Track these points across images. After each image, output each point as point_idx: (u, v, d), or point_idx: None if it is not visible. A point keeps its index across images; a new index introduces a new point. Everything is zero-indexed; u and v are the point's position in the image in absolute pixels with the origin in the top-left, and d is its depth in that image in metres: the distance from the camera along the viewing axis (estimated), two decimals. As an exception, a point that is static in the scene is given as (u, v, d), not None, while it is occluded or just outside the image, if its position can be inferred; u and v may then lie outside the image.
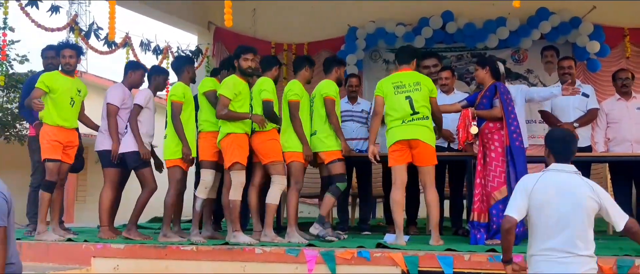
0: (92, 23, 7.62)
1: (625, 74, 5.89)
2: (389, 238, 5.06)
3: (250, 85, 5.39)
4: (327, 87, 5.32)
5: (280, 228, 5.85)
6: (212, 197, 5.34)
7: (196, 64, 8.18)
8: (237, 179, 4.99)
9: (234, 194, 5.00)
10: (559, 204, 3.22)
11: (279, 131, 5.25)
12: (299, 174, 5.20)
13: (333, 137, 5.28)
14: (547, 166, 3.47)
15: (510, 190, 4.76)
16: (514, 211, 3.33)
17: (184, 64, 5.47)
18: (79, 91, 5.46)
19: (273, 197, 5.10)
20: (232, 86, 5.01)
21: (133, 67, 5.72)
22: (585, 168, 5.90)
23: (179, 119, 5.18)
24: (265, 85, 5.14)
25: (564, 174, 3.32)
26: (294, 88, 5.25)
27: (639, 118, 5.77)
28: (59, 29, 7.36)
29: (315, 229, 5.13)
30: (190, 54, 9.16)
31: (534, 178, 3.35)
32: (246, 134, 5.07)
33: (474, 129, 4.93)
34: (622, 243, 4.89)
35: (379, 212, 7.92)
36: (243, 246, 4.73)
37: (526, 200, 3.30)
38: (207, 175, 5.15)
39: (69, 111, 5.34)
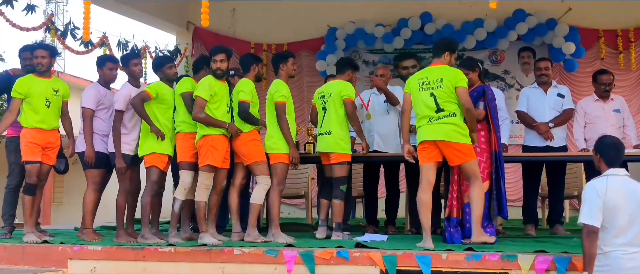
0: (69, 23, 7.54)
1: (608, 79, 5.87)
2: (367, 237, 5.09)
3: (232, 86, 5.38)
4: (347, 89, 5.27)
5: (259, 229, 5.82)
6: (191, 198, 5.30)
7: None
8: (203, 180, 4.99)
9: (199, 196, 4.99)
10: (628, 205, 3.55)
11: (259, 132, 5.24)
12: (283, 175, 5.18)
13: (348, 139, 5.25)
14: (599, 171, 3.74)
15: (496, 193, 4.84)
16: (594, 219, 3.54)
17: (163, 63, 5.43)
18: (56, 91, 5.36)
19: (257, 197, 5.09)
20: (207, 86, 4.98)
21: (100, 64, 5.55)
22: (560, 168, 6.00)
23: (143, 108, 5.10)
24: (242, 86, 5.13)
25: (621, 177, 3.65)
26: (281, 89, 5.19)
27: (614, 120, 5.84)
28: (34, 29, 7.26)
29: (338, 237, 5.12)
30: (169, 54, 9.10)
31: (603, 183, 3.59)
32: (223, 136, 5.05)
33: None
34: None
35: (359, 212, 7.95)
36: (218, 247, 4.71)
37: (601, 204, 3.54)
38: (186, 176, 5.12)
39: (45, 112, 5.26)
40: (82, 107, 5.35)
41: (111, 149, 5.27)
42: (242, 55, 5.71)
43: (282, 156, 5.14)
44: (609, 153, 3.72)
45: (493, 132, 4.91)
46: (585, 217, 3.57)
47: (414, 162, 4.95)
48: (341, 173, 5.23)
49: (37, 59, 5.27)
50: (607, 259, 3.55)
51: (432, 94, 4.69)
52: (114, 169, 5.36)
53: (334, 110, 5.26)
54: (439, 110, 4.66)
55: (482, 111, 4.97)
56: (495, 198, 4.85)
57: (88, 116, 5.32)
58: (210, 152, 4.96)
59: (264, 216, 6.21)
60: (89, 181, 5.39)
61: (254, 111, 5.19)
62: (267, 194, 5.24)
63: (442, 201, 5.92)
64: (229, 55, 5.17)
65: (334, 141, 5.21)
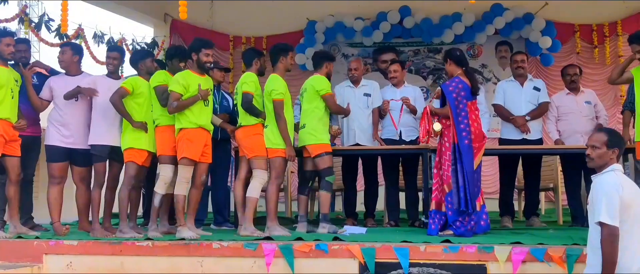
0: (43, 14, 7.39)
1: (573, 71, 6.06)
2: (347, 230, 5.11)
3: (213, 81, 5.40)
4: (321, 83, 5.28)
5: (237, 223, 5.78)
6: (171, 192, 5.27)
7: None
8: (183, 174, 4.97)
9: (179, 189, 4.98)
10: (637, 203, 3.29)
11: (263, 126, 5.21)
12: (281, 169, 5.19)
13: (322, 130, 5.23)
14: (603, 167, 3.44)
15: (456, 186, 4.85)
16: (616, 219, 3.21)
17: (141, 58, 5.41)
18: (16, 81, 5.19)
19: (254, 191, 5.09)
20: (183, 81, 4.97)
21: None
22: (536, 160, 6.09)
23: (122, 104, 5.08)
24: (246, 78, 5.15)
25: (622, 173, 3.41)
26: (278, 86, 5.14)
27: (587, 111, 5.96)
28: (7, 21, 7.11)
29: (323, 229, 5.08)
30: (146, 47, 8.99)
31: (618, 179, 3.32)
32: (201, 129, 5.03)
33: (436, 126, 5.00)
34: (571, 232, 5.07)
35: (338, 205, 7.97)
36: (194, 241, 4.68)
37: (619, 201, 3.24)
38: (167, 170, 5.08)
39: (11, 104, 5.06)
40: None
41: (85, 145, 5.24)
42: (245, 50, 5.71)
43: (281, 151, 5.13)
44: (624, 147, 3.53)
45: (453, 125, 4.91)
46: (607, 216, 3.20)
47: None
48: (325, 164, 5.19)
49: (9, 47, 5.06)
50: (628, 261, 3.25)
51: None
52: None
53: (307, 103, 5.28)
54: None
55: (448, 108, 4.98)
56: (458, 192, 4.84)
57: (42, 106, 5.34)
58: (186, 145, 4.94)
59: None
60: (48, 175, 5.32)
61: (258, 103, 5.18)
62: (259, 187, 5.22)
63: (420, 194, 5.99)
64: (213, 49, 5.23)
65: (307, 133, 5.22)
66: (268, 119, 5.18)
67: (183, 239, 4.73)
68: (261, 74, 5.36)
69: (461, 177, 4.81)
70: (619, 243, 3.21)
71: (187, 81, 4.97)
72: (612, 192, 3.25)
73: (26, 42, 5.74)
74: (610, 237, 3.21)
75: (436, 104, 5.30)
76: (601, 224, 3.22)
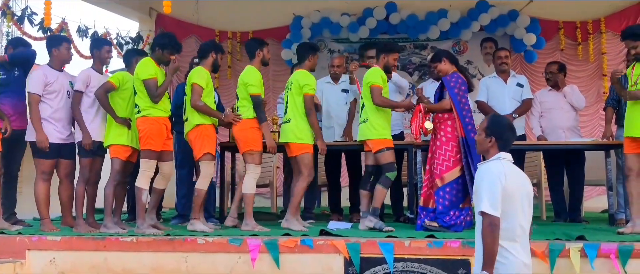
0: (26, 7, 7.30)
1: (550, 68, 6.15)
2: (332, 226, 5.12)
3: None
4: (373, 75, 5.15)
5: (222, 218, 5.76)
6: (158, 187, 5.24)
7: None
8: (206, 170, 5.00)
9: (202, 184, 4.99)
10: (521, 194, 3.18)
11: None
12: (312, 165, 5.18)
13: (384, 125, 5.15)
14: (485, 154, 3.34)
15: (466, 177, 4.89)
16: (497, 208, 3.05)
17: (134, 56, 5.42)
18: None
19: (248, 186, 5.09)
20: (206, 76, 5.03)
21: (56, 44, 5.31)
22: (519, 156, 6.14)
23: (107, 99, 5.07)
24: (250, 78, 5.07)
25: (511, 163, 3.26)
26: (312, 82, 5.12)
27: (569, 108, 6.04)
28: (-11, 14, 7.02)
29: (370, 222, 4.99)
30: (131, 41, 8.93)
31: (500, 168, 3.16)
32: (213, 125, 5.09)
33: (428, 124, 5.02)
34: (554, 227, 5.12)
35: (324, 201, 7.98)
36: (199, 235, 4.69)
37: (501, 190, 3.08)
38: (151, 164, 5.05)
39: None
40: (28, 92, 5.16)
41: (72, 139, 5.19)
42: (247, 40, 5.76)
43: (308, 146, 5.12)
44: (506, 135, 3.28)
45: (458, 119, 4.97)
46: (488, 205, 3.04)
47: None
48: (386, 160, 5.08)
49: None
50: (501, 257, 3.09)
51: None
52: (78, 157, 5.25)
53: (366, 98, 5.19)
54: None
55: (447, 102, 5.03)
56: (469, 182, 4.88)
57: (34, 101, 5.08)
58: (206, 141, 4.98)
59: (228, 206, 6.16)
60: (38, 170, 5.20)
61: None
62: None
63: (405, 190, 6.01)
64: None
65: (370, 127, 5.13)
66: (292, 113, 5.14)
67: (195, 232, 4.76)
68: (265, 64, 5.30)
69: (474, 170, 4.85)
70: (499, 234, 3.05)
71: (207, 78, 5.05)
72: (494, 181, 3.08)
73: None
74: (490, 227, 3.04)
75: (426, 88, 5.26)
76: (482, 213, 3.08)
